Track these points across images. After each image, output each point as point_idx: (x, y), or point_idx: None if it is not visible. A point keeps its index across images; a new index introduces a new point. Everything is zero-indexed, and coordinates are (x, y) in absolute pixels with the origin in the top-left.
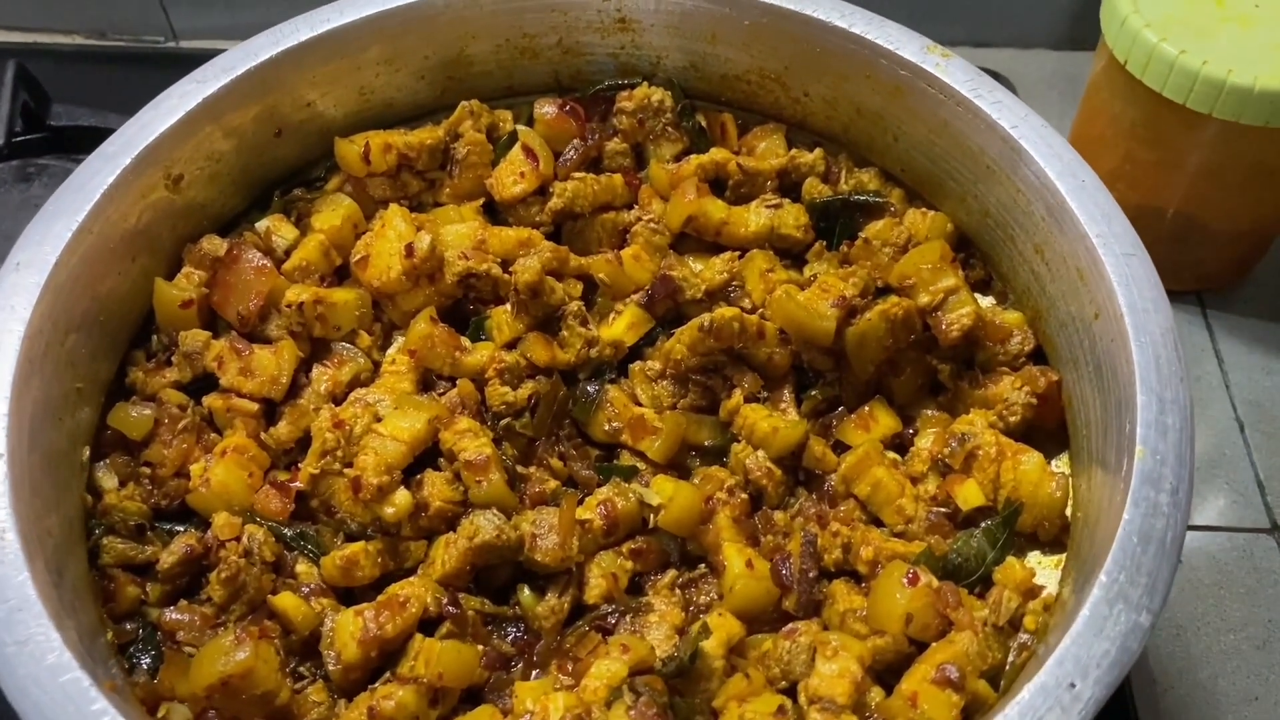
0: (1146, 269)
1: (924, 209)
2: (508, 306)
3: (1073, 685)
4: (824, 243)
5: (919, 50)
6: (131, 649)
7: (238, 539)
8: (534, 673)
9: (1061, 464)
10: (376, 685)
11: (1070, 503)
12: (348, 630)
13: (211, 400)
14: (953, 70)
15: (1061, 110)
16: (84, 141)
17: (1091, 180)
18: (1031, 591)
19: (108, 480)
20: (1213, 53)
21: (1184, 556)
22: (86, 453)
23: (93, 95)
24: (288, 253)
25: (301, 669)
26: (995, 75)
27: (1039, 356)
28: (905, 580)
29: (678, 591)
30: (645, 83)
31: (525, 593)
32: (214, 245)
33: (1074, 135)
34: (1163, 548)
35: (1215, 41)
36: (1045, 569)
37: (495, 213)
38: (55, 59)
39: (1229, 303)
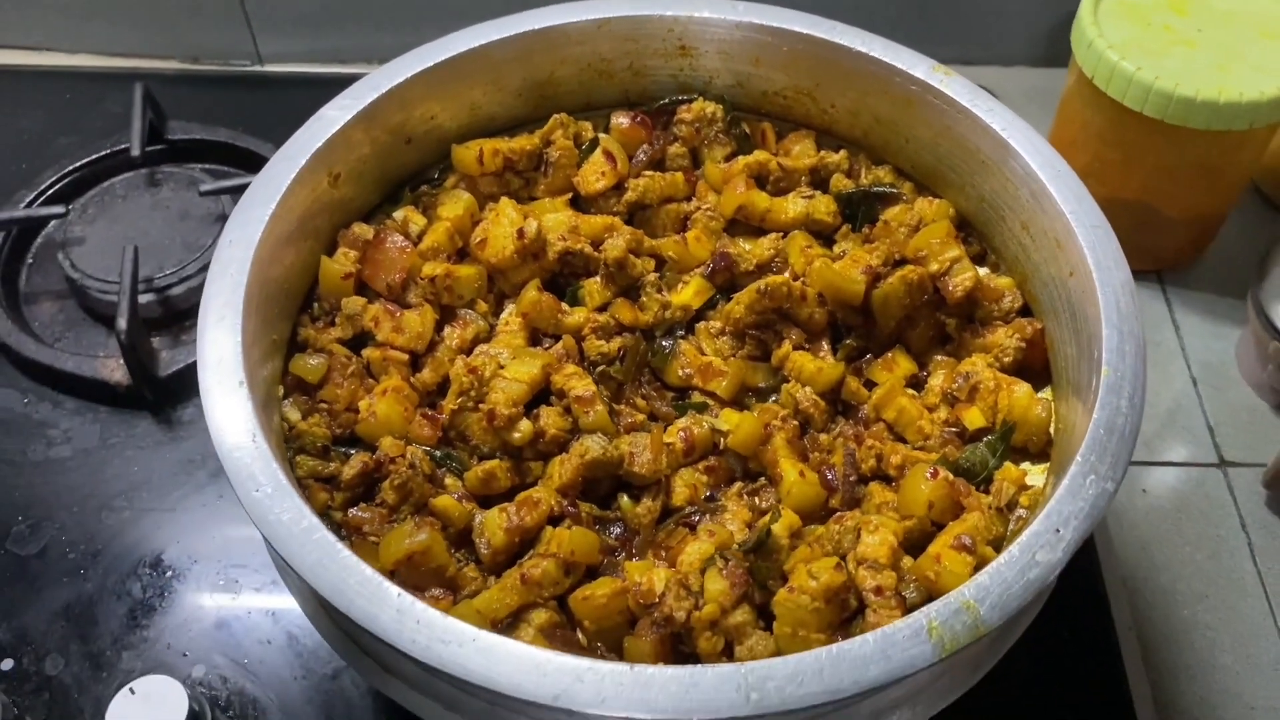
0: (1109, 238)
1: (930, 197)
2: (598, 278)
3: (1057, 531)
4: (849, 225)
5: (927, 70)
6: None
7: (403, 455)
8: (635, 559)
9: (1046, 393)
10: (523, 560)
11: (1053, 423)
12: (495, 522)
13: (370, 352)
14: (954, 86)
15: (1040, 118)
16: (196, 152)
17: (1066, 170)
18: (1023, 486)
19: (292, 413)
20: (1164, 69)
21: (1148, 488)
22: (280, 390)
23: (197, 113)
24: (420, 237)
25: (458, 555)
26: (983, 89)
27: (1026, 311)
28: (928, 475)
29: (744, 498)
30: (700, 98)
31: (624, 499)
32: (363, 230)
33: (1051, 139)
34: (1123, 437)
35: (1166, 60)
36: (1034, 475)
37: (580, 205)
38: (162, 81)
39: (1185, 280)
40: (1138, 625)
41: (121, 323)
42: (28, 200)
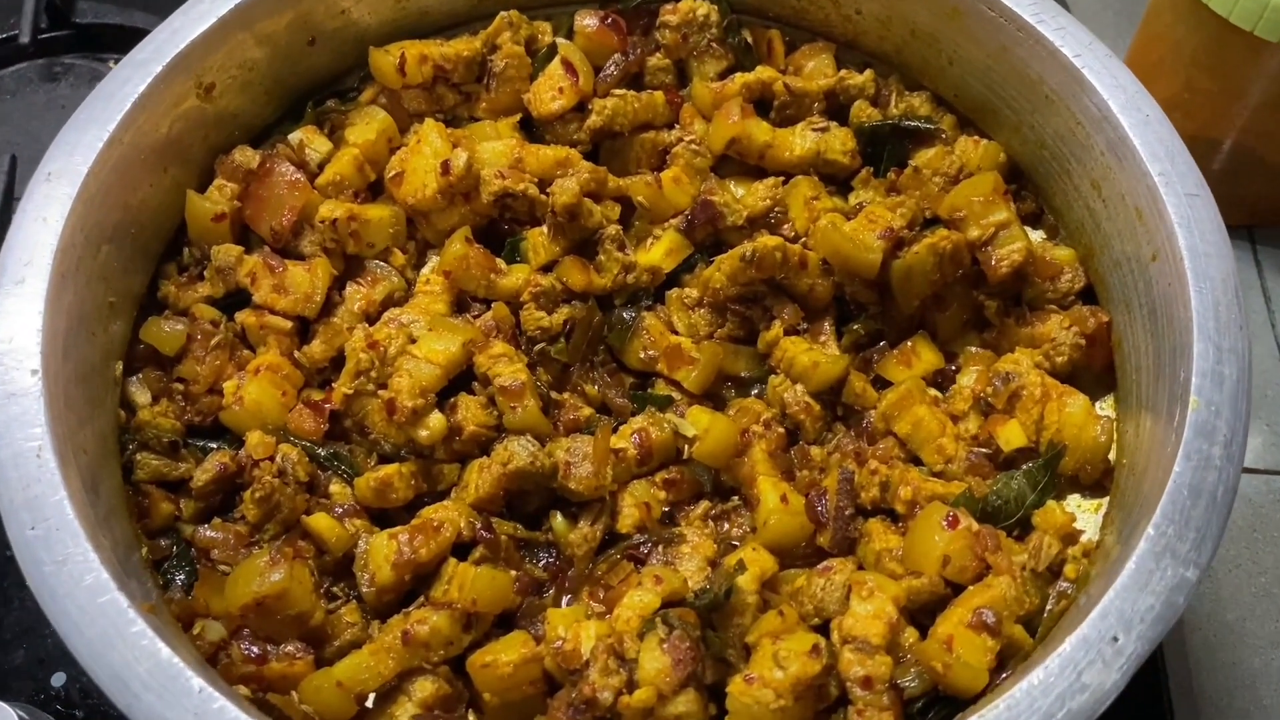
0: (1210, 211)
1: (976, 137)
2: (544, 228)
3: (1115, 639)
4: (871, 169)
5: None
6: (166, 565)
7: (271, 458)
8: (565, 599)
9: (1106, 407)
10: (410, 609)
11: (1115, 447)
12: (382, 553)
13: (244, 317)
14: None
15: (1117, 35)
16: (109, 40)
17: (1156, 114)
18: (1071, 536)
19: (140, 395)
20: None
21: None
22: (119, 368)
23: None
24: (321, 166)
25: (335, 589)
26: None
27: (1088, 295)
28: (945, 522)
29: (710, 523)
30: None
31: (558, 519)
32: (246, 157)
33: (1130, 61)
34: (1214, 502)
35: None
36: (1085, 513)
37: (532, 129)
38: None
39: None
40: (1195, 674)
41: None
42: None
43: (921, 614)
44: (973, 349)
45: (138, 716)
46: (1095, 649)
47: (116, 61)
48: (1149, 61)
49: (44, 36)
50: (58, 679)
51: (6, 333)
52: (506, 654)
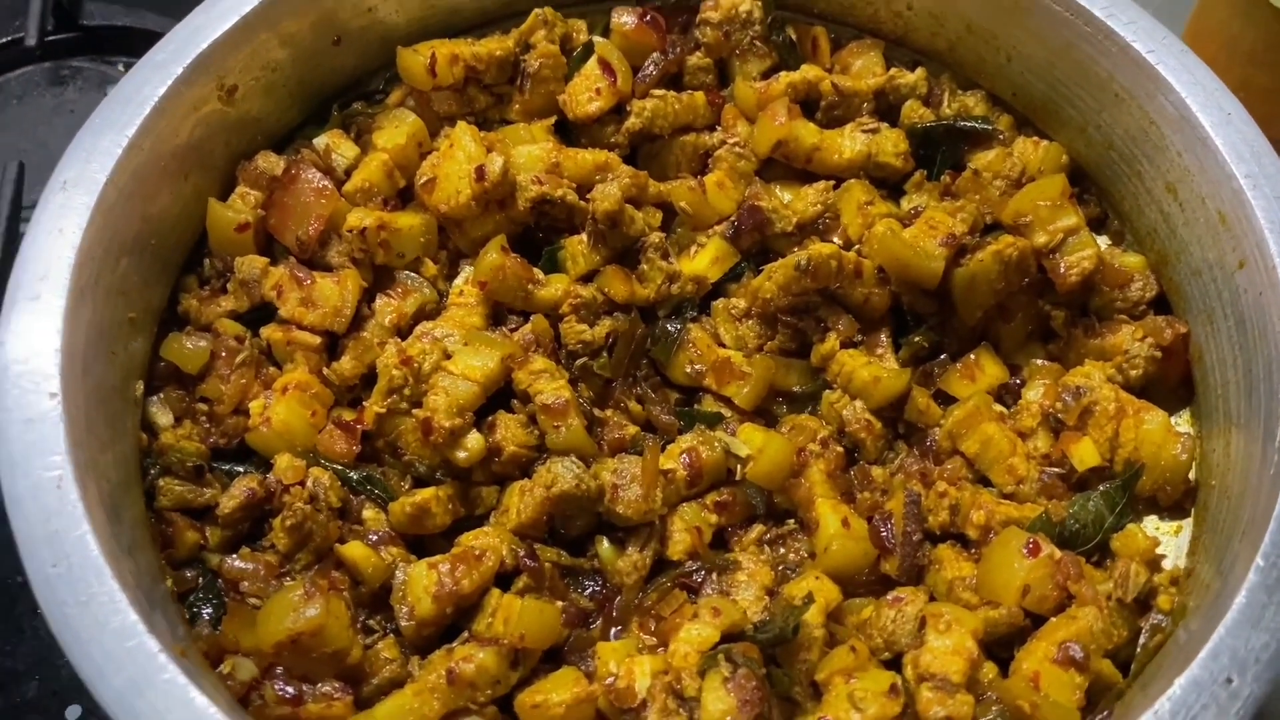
0: None
1: (1035, 138)
2: (583, 236)
3: (1230, 680)
4: (924, 172)
5: None
6: (192, 598)
7: (302, 483)
8: (614, 630)
9: (1181, 422)
10: (454, 645)
11: (1196, 467)
12: (421, 584)
13: (270, 332)
14: None
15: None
16: (118, 42)
17: (1238, 112)
18: (1154, 562)
19: (162, 417)
20: None
21: None
22: (140, 387)
23: None
24: (348, 172)
25: (371, 622)
26: None
27: (1159, 305)
28: (1025, 550)
29: (765, 548)
30: None
31: (604, 545)
32: (270, 163)
33: None
34: None
35: None
36: (1165, 536)
37: (566, 132)
38: None
39: None
40: None
41: None
42: None
43: (997, 646)
44: (1038, 362)
45: None
46: (1209, 691)
47: (126, 65)
48: (1201, 60)
49: (51, 39)
50: (72, 712)
51: (23, 352)
52: (558, 693)
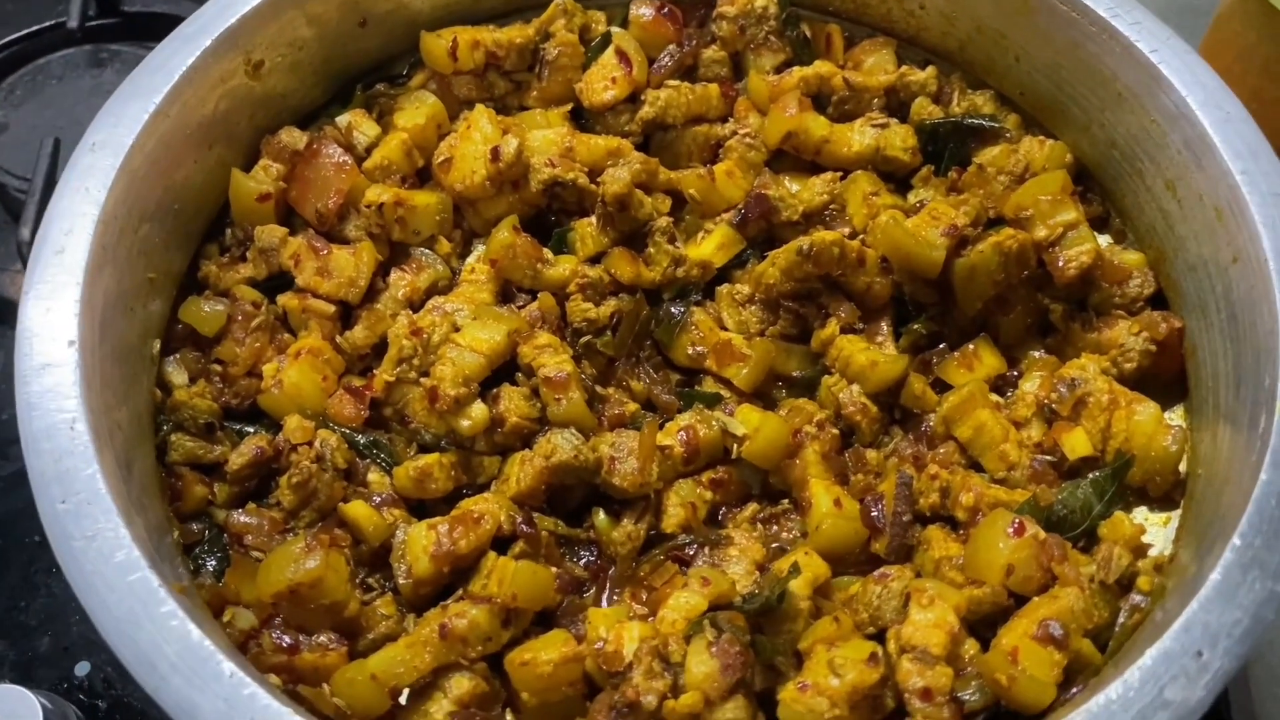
0: None
1: (1041, 137)
2: (593, 219)
3: (1200, 654)
4: (931, 167)
5: None
6: (197, 550)
7: (310, 443)
8: (606, 598)
9: (1175, 416)
10: (449, 602)
11: (1186, 458)
12: (420, 544)
13: (286, 299)
14: None
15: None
16: (158, 28)
17: (1237, 111)
18: (1140, 549)
19: (177, 376)
20: None
21: None
22: (157, 346)
23: None
24: (369, 150)
25: (370, 580)
26: None
27: (1157, 301)
28: (1010, 530)
29: (758, 526)
30: None
31: (601, 516)
32: (293, 138)
33: None
34: None
35: None
36: (1153, 526)
37: (583, 119)
38: None
39: None
40: (1260, 703)
41: (25, 232)
42: None
43: (982, 626)
44: (1036, 354)
45: (165, 700)
46: (1178, 663)
47: None
48: (1215, 69)
49: (92, 24)
50: (81, 668)
51: (45, 303)
52: (546, 652)
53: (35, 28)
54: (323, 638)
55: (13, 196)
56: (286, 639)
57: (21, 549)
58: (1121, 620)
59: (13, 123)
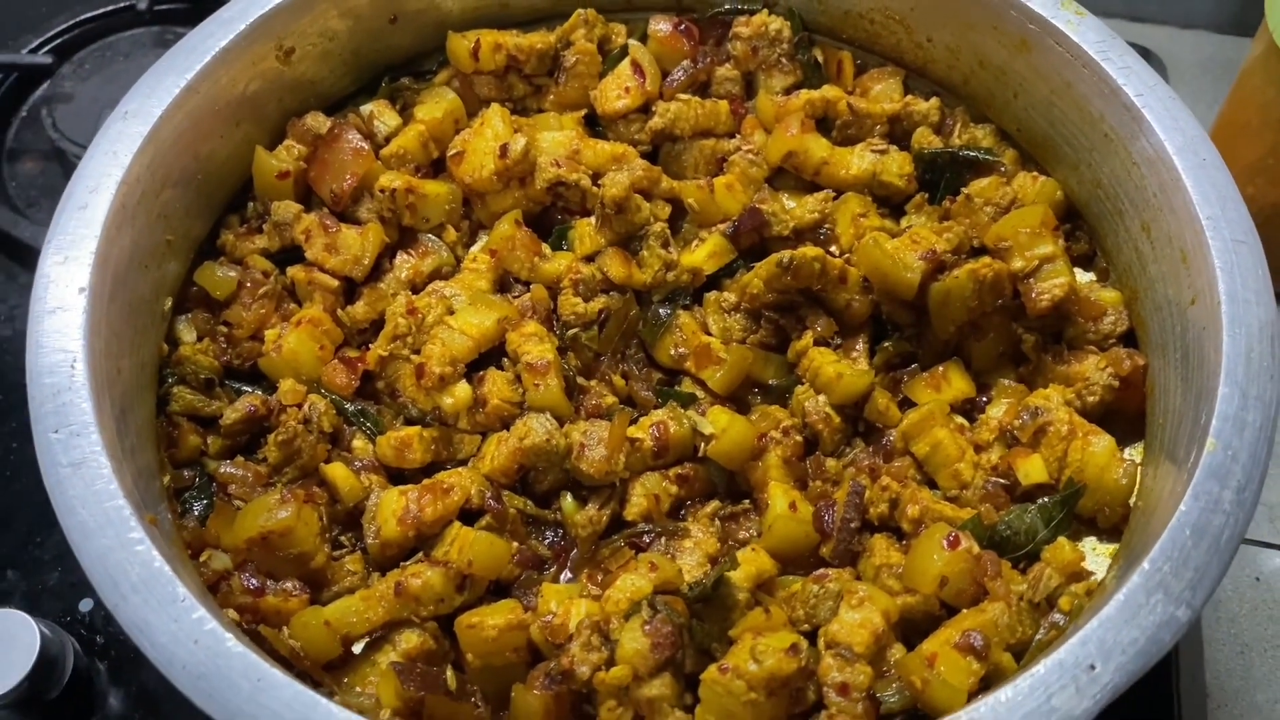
0: (1255, 258)
1: (1035, 173)
2: (593, 219)
3: (1092, 667)
4: (926, 195)
5: (1051, 4)
6: (186, 495)
7: (300, 405)
8: (564, 577)
9: (1134, 452)
10: (408, 563)
11: (1135, 494)
12: (390, 508)
13: (295, 271)
14: (1084, 30)
15: (1214, 97)
16: None
17: (1213, 159)
18: (1077, 575)
19: (187, 333)
20: None
21: (1263, 575)
22: (169, 304)
23: None
24: (388, 139)
25: (342, 538)
26: (1145, 52)
27: (1129, 340)
28: (945, 542)
29: (717, 523)
30: (765, 10)
31: (568, 500)
32: (318, 122)
33: (1220, 122)
34: (1216, 545)
35: None
36: (1099, 556)
37: (596, 126)
38: None
39: None
40: None
41: None
42: (31, 47)
43: (915, 634)
44: (1006, 382)
45: (123, 616)
46: (1070, 674)
47: None
48: (1237, 124)
49: (160, 8)
50: (85, 604)
51: (63, 252)
52: (493, 618)
53: (110, 8)
54: (288, 584)
55: (70, 163)
56: (254, 582)
57: (41, 489)
58: (1038, 636)
59: (78, 94)
